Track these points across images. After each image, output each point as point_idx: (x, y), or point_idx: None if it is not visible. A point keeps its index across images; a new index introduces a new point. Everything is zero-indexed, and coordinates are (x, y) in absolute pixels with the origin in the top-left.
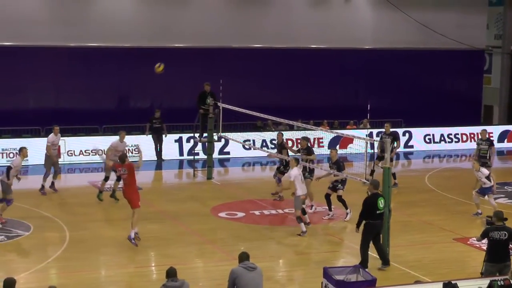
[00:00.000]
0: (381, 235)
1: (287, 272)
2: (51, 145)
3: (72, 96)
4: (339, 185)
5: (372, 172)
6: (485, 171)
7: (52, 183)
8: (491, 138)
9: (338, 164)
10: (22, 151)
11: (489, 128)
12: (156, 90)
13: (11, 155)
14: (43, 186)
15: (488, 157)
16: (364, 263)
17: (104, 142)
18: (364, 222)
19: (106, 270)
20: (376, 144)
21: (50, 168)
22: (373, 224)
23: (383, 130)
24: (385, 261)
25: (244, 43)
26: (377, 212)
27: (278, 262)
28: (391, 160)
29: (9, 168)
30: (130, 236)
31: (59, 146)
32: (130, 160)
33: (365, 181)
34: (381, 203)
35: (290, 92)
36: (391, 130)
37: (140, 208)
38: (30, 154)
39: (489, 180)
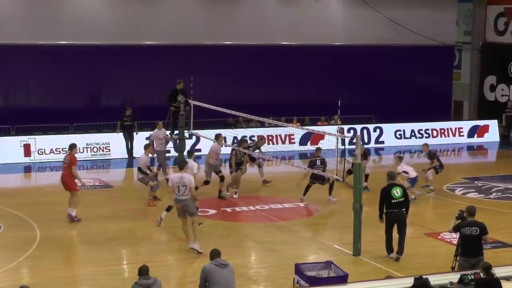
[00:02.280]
0: (404, 226)
1: (259, 268)
2: None
3: (43, 94)
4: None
5: (350, 172)
6: (404, 166)
7: None
8: (432, 152)
9: (324, 162)
10: (158, 125)
11: (459, 124)
12: (128, 88)
13: None
14: None
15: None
16: (387, 248)
17: (75, 140)
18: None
19: (78, 269)
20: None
21: None
22: (390, 213)
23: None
24: (400, 251)
25: (215, 41)
26: (393, 201)
27: (250, 258)
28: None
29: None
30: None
31: (29, 145)
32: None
33: (338, 178)
34: (396, 192)
35: (261, 89)
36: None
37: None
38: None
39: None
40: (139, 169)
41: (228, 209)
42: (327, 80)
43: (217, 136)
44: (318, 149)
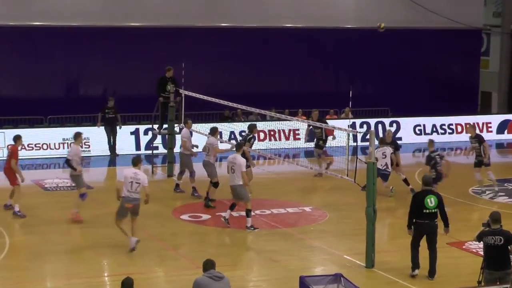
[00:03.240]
0: (435, 239)
1: (259, 281)
2: None
3: (13, 82)
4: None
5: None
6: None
7: None
8: (480, 134)
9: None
10: (78, 138)
11: (487, 118)
12: (110, 76)
13: None
14: None
15: (482, 155)
16: (412, 265)
17: (50, 134)
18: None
19: (53, 281)
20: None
21: None
22: (420, 224)
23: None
24: (431, 272)
25: (210, 22)
26: (425, 211)
27: (249, 270)
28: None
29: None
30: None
31: None
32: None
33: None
34: (430, 201)
35: (262, 77)
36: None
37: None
38: None
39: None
40: (67, 162)
41: (224, 214)
42: (337, 68)
43: (214, 131)
44: (431, 142)
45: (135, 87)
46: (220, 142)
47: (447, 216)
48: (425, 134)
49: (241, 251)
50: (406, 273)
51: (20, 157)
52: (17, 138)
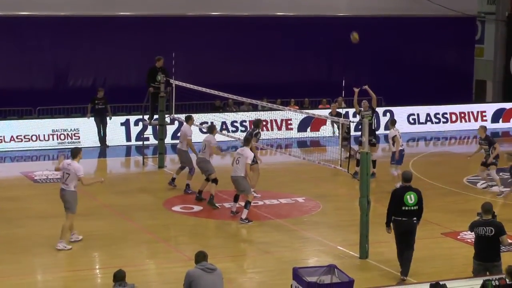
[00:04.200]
0: (412, 239)
1: (252, 273)
2: None
3: (1, 73)
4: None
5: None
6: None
7: None
8: (490, 137)
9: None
10: (190, 120)
11: (481, 107)
12: (99, 66)
13: None
14: None
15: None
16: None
17: (40, 126)
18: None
19: (42, 274)
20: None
21: None
22: (399, 222)
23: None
24: (404, 271)
25: (200, 11)
26: (404, 208)
27: (241, 262)
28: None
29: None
30: None
31: None
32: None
33: (343, 169)
34: (409, 198)
35: (253, 67)
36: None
37: None
38: None
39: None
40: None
41: (232, 208)
42: (330, 57)
43: (212, 128)
44: (482, 128)
45: (125, 77)
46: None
47: (422, 213)
48: (419, 123)
49: (233, 243)
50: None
51: (10, 149)
52: None
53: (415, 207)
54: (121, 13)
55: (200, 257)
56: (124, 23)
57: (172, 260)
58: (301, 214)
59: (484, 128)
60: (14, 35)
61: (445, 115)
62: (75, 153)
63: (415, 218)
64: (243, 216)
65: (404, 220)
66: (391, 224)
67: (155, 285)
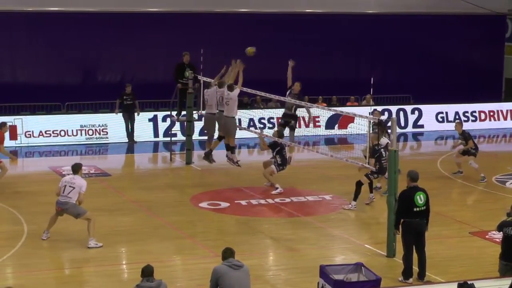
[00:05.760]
0: (424, 239)
1: (278, 270)
2: None
3: (30, 69)
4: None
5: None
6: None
7: None
8: (467, 133)
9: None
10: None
11: (511, 105)
12: (127, 62)
13: None
14: None
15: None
16: (406, 271)
17: (68, 121)
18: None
19: (70, 269)
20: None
21: None
22: (410, 223)
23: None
24: (421, 274)
25: (229, 7)
26: (415, 209)
27: (268, 259)
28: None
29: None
30: None
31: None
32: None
33: (371, 167)
34: (419, 198)
35: (281, 64)
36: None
37: None
38: None
39: None
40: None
41: (243, 202)
42: (358, 54)
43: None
44: (459, 124)
45: (153, 73)
46: (239, 129)
47: (429, 214)
48: (448, 121)
49: (260, 240)
50: (428, 262)
51: (38, 144)
52: (2, 125)
53: (424, 207)
54: (150, 9)
55: (228, 253)
56: (152, 19)
57: (199, 256)
58: (328, 212)
59: (461, 124)
60: (43, 31)
61: (474, 114)
62: (77, 168)
63: (424, 219)
64: (235, 160)
65: (416, 221)
66: (402, 226)
67: (181, 281)
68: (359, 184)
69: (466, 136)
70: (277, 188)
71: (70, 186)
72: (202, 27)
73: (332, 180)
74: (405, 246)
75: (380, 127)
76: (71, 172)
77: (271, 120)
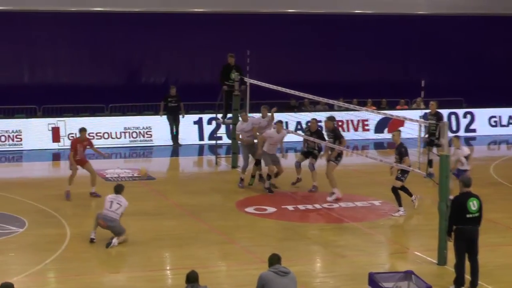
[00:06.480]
0: (477, 247)
1: (326, 277)
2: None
3: (73, 70)
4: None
5: (430, 161)
6: (465, 149)
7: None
8: (440, 112)
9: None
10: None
11: None
12: (172, 63)
13: (3, 138)
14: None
15: (437, 136)
16: (458, 280)
17: (111, 123)
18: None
19: (113, 274)
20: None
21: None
22: (463, 230)
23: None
24: (473, 283)
25: (275, 8)
26: (468, 216)
27: (315, 265)
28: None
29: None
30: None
31: (58, 128)
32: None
33: (421, 173)
34: (472, 204)
35: (329, 66)
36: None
37: None
38: (25, 138)
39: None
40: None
41: (290, 207)
42: (408, 56)
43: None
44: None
45: (198, 75)
46: (287, 132)
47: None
48: (501, 126)
49: (306, 246)
50: (480, 271)
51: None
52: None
53: (477, 214)
54: (195, 10)
55: (274, 259)
56: (197, 19)
57: (244, 262)
58: (377, 218)
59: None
60: (87, 32)
61: None
62: (120, 190)
63: (478, 225)
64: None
65: (469, 227)
66: (455, 233)
67: (226, 287)
68: (394, 190)
69: (439, 117)
70: (333, 194)
71: (117, 203)
72: (248, 28)
73: (381, 185)
74: (457, 253)
75: (437, 118)
76: (113, 192)
77: (319, 124)
